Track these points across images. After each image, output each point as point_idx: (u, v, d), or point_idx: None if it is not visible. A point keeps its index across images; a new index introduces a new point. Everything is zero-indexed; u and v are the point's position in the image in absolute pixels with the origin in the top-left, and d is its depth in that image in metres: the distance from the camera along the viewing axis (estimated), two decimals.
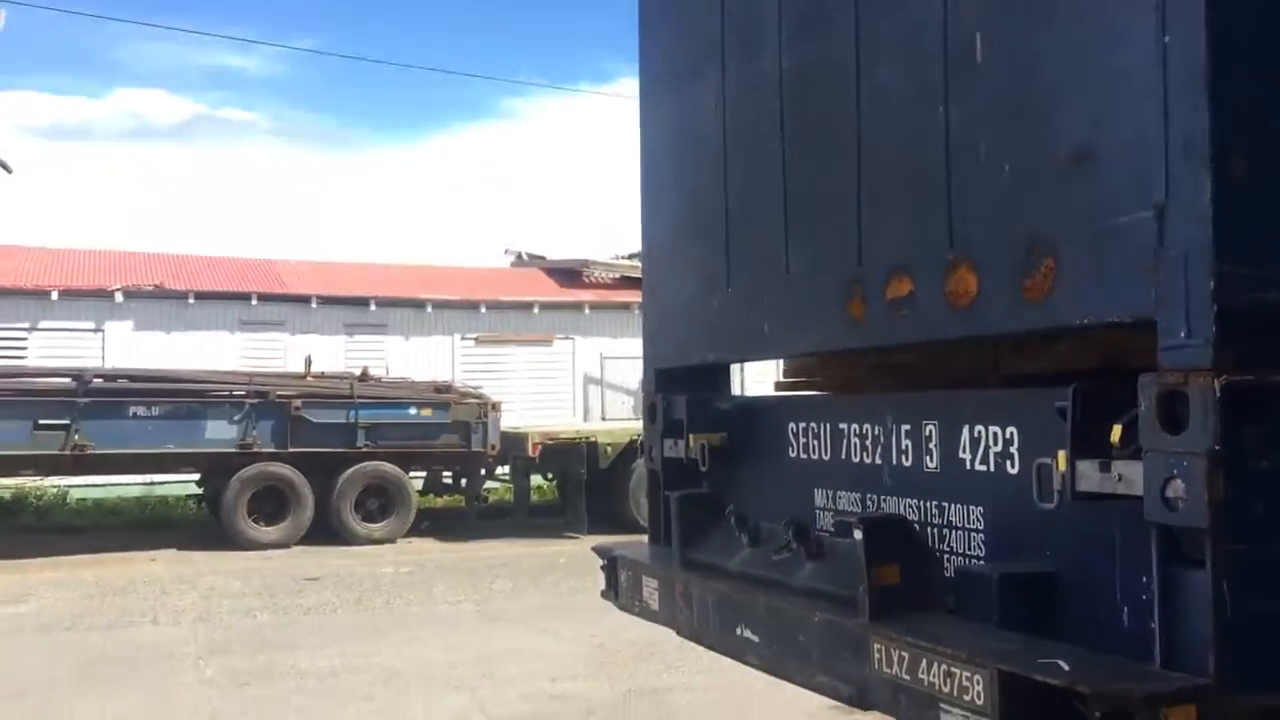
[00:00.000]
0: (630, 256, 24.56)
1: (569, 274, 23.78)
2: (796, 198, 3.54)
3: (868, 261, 3.17)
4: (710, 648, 3.62)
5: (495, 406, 16.66)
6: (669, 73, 4.49)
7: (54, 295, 18.59)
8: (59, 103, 60.69)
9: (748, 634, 3.32)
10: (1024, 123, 2.68)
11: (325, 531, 15.43)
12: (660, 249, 4.61)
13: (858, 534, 2.83)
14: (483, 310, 21.32)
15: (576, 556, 14.05)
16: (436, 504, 18.31)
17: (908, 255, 3.02)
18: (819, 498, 3.68)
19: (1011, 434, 2.82)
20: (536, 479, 18.53)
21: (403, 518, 15.97)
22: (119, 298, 18.91)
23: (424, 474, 17.34)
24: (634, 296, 22.27)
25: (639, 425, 19.17)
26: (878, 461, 3.38)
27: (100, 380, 14.96)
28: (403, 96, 67.72)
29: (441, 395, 16.53)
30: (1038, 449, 2.66)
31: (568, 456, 16.56)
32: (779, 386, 4.36)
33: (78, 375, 14.75)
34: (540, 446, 16.54)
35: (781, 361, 4.41)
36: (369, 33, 60.54)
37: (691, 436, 4.12)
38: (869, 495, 3.42)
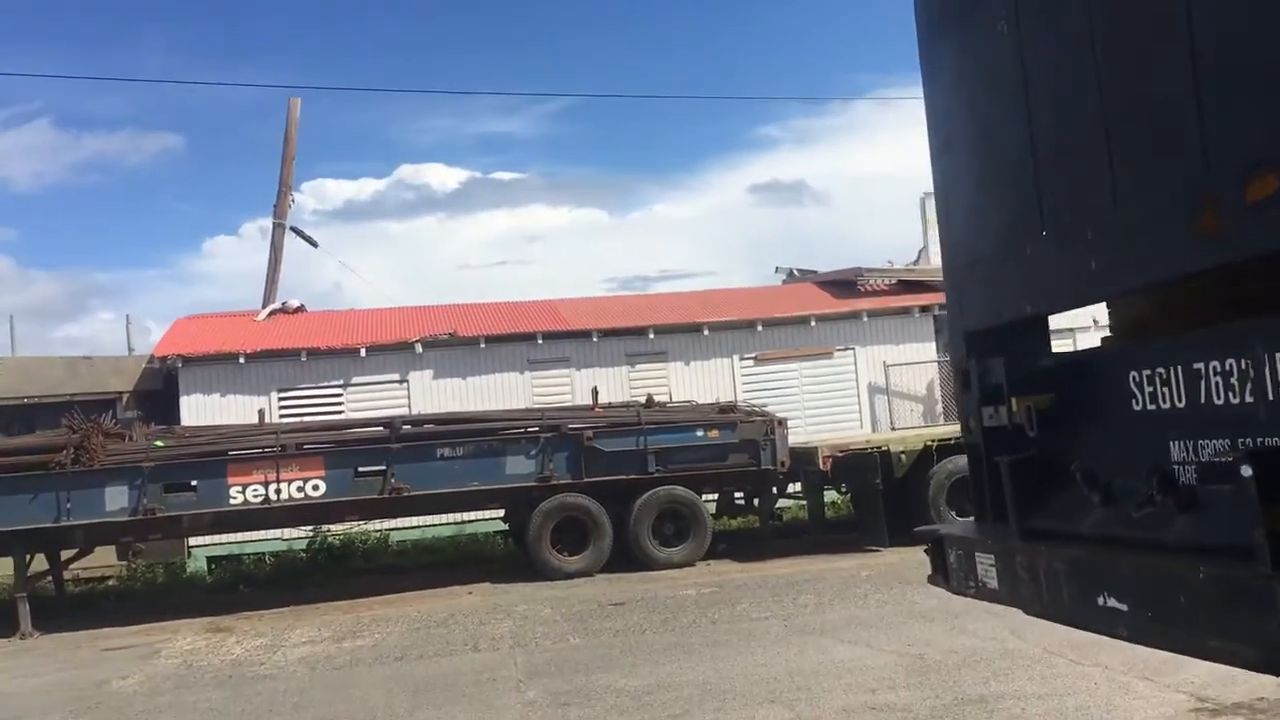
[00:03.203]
0: (908, 266, 23.80)
1: (843, 285, 23.26)
2: (1117, 110, 3.13)
3: (1218, 164, 2.74)
4: (1066, 623, 3.22)
5: (781, 423, 16.45)
6: (949, 12, 4.16)
7: (362, 352, 19.92)
8: (350, 186, 66.02)
9: (1112, 602, 2.91)
10: None
11: (625, 558, 15.66)
12: (957, 203, 4.26)
13: (1246, 470, 2.41)
14: (759, 328, 21.17)
15: (880, 569, 13.59)
16: (731, 525, 18.26)
17: (1271, 147, 2.58)
18: (1175, 451, 3.22)
19: None
20: (830, 493, 18.14)
21: (700, 540, 15.99)
22: (419, 349, 20.04)
23: (716, 496, 17.32)
24: (914, 300, 21.53)
25: (932, 431, 18.24)
26: (1248, 399, 2.91)
27: (409, 427, 15.85)
28: (656, 140, 69.45)
29: (727, 415, 16.47)
30: None
31: (861, 468, 16.07)
32: (1107, 344, 3.92)
33: (389, 423, 15.71)
34: (831, 459, 16.16)
35: (1108, 319, 3.97)
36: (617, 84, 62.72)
37: (1014, 400, 3.74)
38: (1241, 439, 2.95)
